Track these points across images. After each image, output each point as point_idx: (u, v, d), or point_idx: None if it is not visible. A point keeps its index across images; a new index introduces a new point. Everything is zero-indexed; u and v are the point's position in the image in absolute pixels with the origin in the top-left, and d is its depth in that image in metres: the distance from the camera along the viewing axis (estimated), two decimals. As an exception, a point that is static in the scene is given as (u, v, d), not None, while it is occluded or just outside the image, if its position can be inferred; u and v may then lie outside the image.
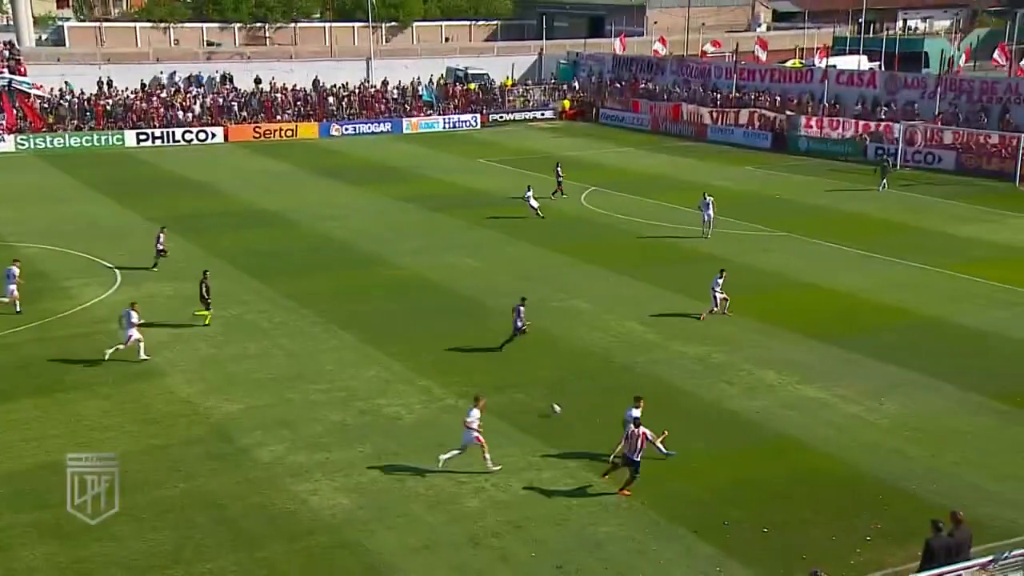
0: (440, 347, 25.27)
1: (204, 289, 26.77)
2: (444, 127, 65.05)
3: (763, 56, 64.65)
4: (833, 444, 19.96)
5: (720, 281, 26.96)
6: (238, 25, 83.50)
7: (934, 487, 18.27)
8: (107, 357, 23.85)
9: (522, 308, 25.10)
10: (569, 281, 30.91)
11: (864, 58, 74.78)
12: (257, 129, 60.95)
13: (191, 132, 59.35)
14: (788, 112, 57.72)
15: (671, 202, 42.31)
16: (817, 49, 69.17)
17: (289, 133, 61.31)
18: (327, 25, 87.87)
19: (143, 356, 23.99)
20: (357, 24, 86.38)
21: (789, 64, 72.79)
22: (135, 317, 23.91)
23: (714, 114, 60.96)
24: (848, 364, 23.99)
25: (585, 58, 75.76)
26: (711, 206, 36.00)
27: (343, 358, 24.61)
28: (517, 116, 68.06)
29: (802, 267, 32.26)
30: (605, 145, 58.29)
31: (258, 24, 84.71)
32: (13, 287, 27.22)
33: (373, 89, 68.07)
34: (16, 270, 27.52)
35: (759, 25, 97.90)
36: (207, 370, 23.79)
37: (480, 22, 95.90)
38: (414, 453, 19.66)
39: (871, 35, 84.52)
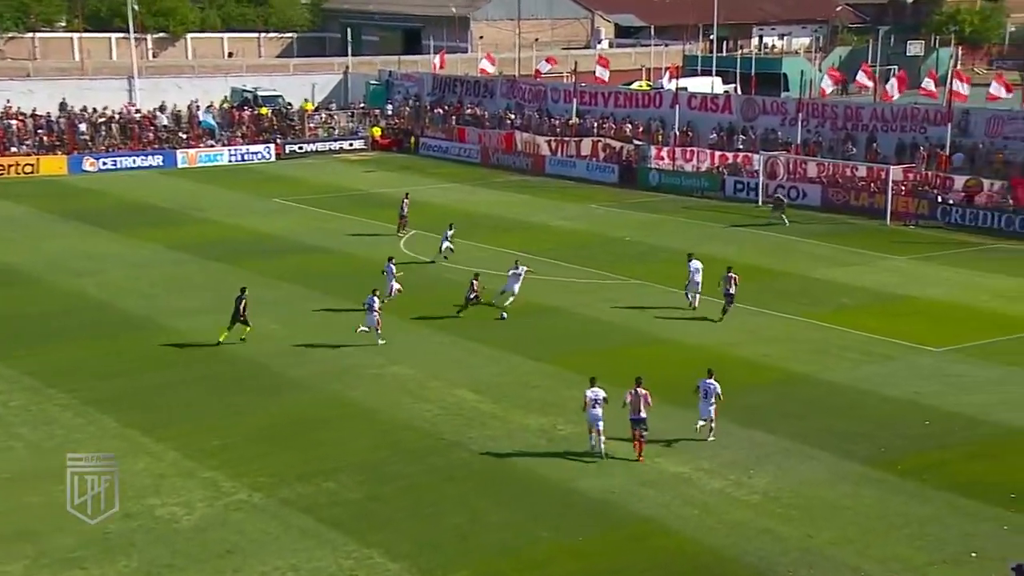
0: (229, 429, 24.72)
1: (242, 307, 29.80)
2: (230, 160, 64.22)
3: (606, 76, 67.16)
4: (697, 526, 20.63)
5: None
6: (-44, 34, 79.96)
7: (810, 572, 19.09)
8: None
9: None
10: (388, 343, 30.84)
11: (718, 80, 78.95)
12: (-14, 163, 58.46)
13: None
14: (636, 141, 60.06)
15: (504, 246, 43.01)
16: (666, 69, 72.48)
17: (29, 169, 59.28)
18: (76, 36, 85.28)
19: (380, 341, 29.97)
20: (115, 35, 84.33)
21: (635, 86, 75.89)
22: (377, 303, 30.35)
23: (553, 144, 62.63)
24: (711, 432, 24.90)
25: (400, 78, 76.50)
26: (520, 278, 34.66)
27: (103, 448, 23.55)
28: (320, 147, 67.96)
29: (656, 320, 33.38)
30: (426, 180, 58.83)
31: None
32: (395, 284, 33.51)
33: (138, 114, 66.44)
34: (394, 267, 34.20)
35: (600, 41, 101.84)
36: (-81, 472, 22.31)
37: (271, 34, 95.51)
38: (195, 564, 19.01)
39: (724, 54, 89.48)
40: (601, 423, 23.08)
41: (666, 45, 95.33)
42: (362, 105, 73.89)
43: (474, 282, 33.49)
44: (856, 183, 51.37)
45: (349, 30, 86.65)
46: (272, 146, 65.99)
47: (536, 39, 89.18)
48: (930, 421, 25.57)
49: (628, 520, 20.83)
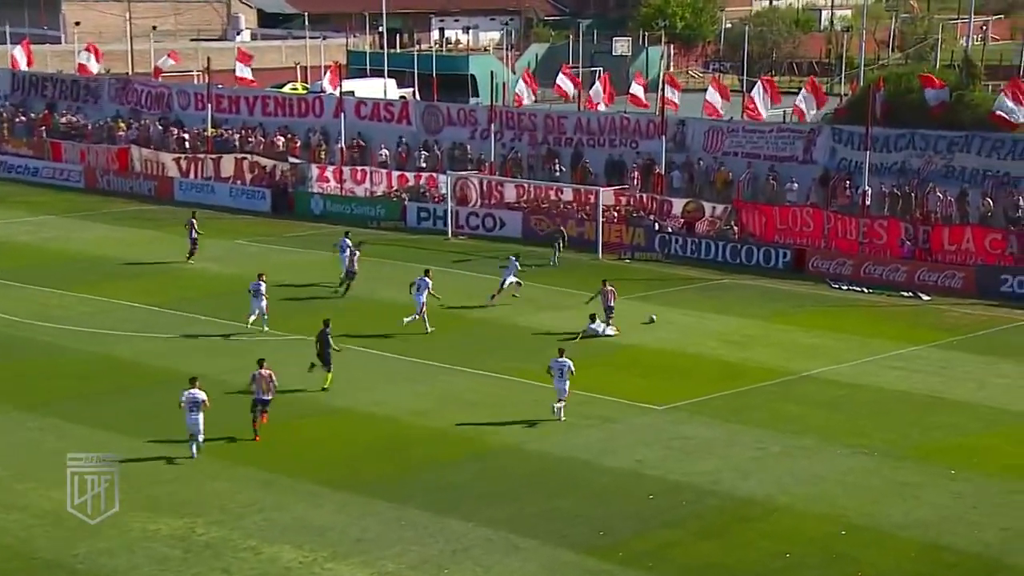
0: None
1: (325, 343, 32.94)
2: None
3: (249, 76, 66.79)
4: (383, 647, 20.57)
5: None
6: None
7: None
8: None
9: None
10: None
11: (392, 82, 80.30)
12: None
13: None
14: (292, 159, 59.92)
15: (120, 297, 41.76)
16: (327, 68, 72.89)
17: None
18: None
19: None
20: None
21: (288, 89, 75.91)
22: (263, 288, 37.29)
23: (183, 163, 61.72)
24: (397, 524, 24.97)
25: (-38, 76, 73.25)
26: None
27: None
28: None
29: (327, 386, 33.20)
30: (8, 213, 56.96)
31: None
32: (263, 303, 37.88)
33: None
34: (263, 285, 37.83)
35: (239, 31, 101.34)
36: None
37: None
38: None
39: (398, 50, 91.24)
40: (201, 425, 27.42)
41: (324, 38, 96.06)
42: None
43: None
44: (562, 209, 53.36)
45: None
46: None
47: (155, 27, 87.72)
48: (654, 495, 26.71)
49: (294, 646, 20.51)
